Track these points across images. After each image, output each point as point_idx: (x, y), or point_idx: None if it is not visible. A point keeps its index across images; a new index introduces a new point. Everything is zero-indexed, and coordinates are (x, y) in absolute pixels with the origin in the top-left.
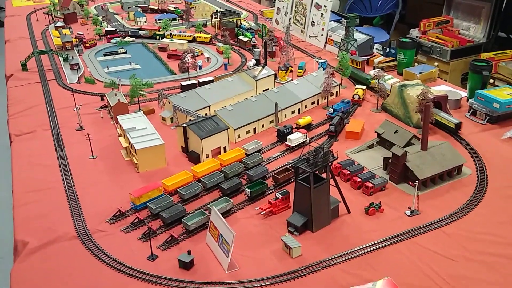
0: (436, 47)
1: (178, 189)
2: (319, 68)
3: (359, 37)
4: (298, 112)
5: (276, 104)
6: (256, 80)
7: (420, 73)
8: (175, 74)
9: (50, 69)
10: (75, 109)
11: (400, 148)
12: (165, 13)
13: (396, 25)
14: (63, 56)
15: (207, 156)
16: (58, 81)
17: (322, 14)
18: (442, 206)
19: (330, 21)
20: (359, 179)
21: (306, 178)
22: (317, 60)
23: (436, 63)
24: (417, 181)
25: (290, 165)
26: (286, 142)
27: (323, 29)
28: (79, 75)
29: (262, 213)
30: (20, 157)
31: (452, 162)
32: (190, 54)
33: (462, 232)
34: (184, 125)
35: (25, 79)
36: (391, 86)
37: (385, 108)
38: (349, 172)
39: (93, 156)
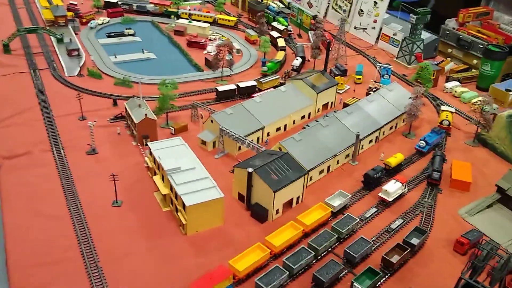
0: (477, 43)
1: (256, 280)
2: (382, 75)
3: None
4: (376, 141)
5: (357, 136)
6: (317, 93)
7: (507, 90)
8: (202, 70)
9: (40, 52)
10: (85, 121)
11: None
12: None
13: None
14: (57, 36)
15: (277, 212)
16: (53, 72)
17: (375, 2)
18: None
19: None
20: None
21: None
22: (380, 65)
23: (474, 61)
24: None
25: (402, 242)
26: (381, 195)
27: (375, 21)
28: (80, 65)
29: None
30: (13, 199)
31: None
32: (226, 48)
33: None
34: (250, 170)
35: (9, 65)
36: (496, 115)
37: (483, 142)
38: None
39: (117, 202)
